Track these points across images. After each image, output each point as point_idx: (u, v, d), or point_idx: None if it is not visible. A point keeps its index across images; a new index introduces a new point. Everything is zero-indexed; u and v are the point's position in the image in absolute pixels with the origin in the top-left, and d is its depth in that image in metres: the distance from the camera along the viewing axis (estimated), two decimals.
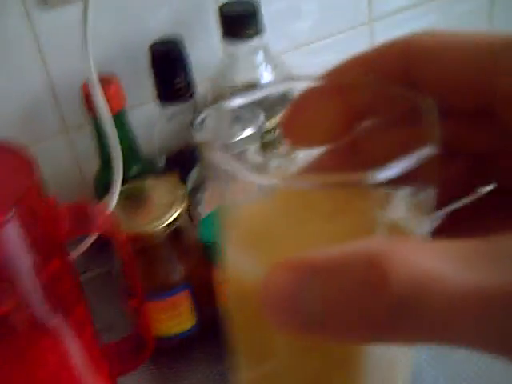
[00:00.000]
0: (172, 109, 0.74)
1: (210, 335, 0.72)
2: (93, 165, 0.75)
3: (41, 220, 0.51)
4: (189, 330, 0.71)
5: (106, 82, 0.66)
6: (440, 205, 0.25)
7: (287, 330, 0.20)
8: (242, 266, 0.24)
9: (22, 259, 0.50)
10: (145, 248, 0.66)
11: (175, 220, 0.65)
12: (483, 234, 0.19)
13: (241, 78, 0.76)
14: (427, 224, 0.23)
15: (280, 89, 0.26)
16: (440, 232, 0.25)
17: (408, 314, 0.18)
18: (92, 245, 0.64)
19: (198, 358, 0.71)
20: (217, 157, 0.22)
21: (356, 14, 0.91)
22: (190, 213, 0.69)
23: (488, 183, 0.27)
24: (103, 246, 0.63)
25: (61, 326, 0.55)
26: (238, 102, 0.26)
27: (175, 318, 0.69)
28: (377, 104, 0.24)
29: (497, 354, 0.19)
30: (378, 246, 0.19)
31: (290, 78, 0.23)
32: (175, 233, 0.66)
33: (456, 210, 0.27)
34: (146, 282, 0.67)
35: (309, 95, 0.25)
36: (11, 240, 0.48)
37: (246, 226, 0.25)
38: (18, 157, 0.52)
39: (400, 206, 0.22)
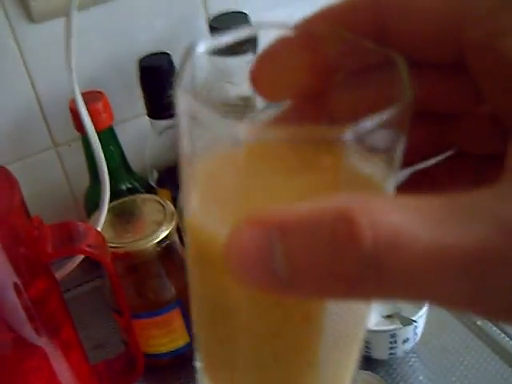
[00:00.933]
0: (163, 123, 0.73)
1: None
2: (83, 181, 0.75)
3: (24, 240, 0.51)
4: (182, 348, 0.70)
5: (93, 98, 0.66)
6: (403, 165, 0.24)
7: (252, 287, 0.19)
8: (204, 220, 0.23)
9: (5, 280, 0.49)
10: (135, 265, 0.66)
11: (165, 237, 0.64)
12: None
13: (232, 92, 0.75)
14: (394, 180, 0.23)
15: (248, 33, 0.25)
16: (401, 191, 0.24)
17: (379, 270, 0.18)
18: (85, 259, 0.63)
19: (191, 376, 0.71)
20: (187, 101, 0.21)
21: None
22: (180, 230, 0.68)
23: (449, 147, 0.27)
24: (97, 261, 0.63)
25: (47, 347, 0.54)
26: (206, 45, 0.25)
27: (168, 335, 0.68)
28: (347, 57, 0.24)
29: (463, 310, 0.19)
30: (347, 203, 0.18)
31: (259, 24, 0.22)
32: (166, 250, 0.65)
33: (417, 172, 0.27)
34: (138, 300, 0.66)
35: (278, 46, 0.24)
36: None
37: (210, 178, 0.24)
38: (0, 176, 0.52)
39: (367, 163, 0.22)
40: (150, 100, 0.72)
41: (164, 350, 0.69)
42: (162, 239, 0.63)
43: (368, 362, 0.66)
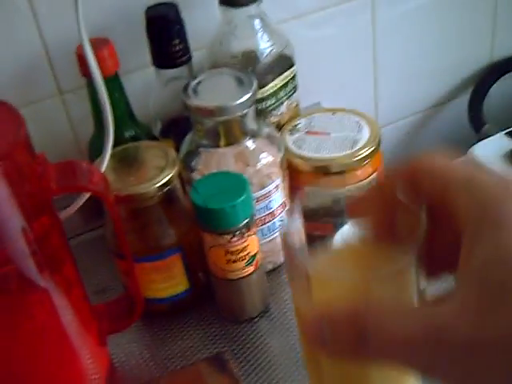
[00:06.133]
0: (168, 74, 0.74)
1: (203, 300, 0.72)
2: (87, 130, 0.76)
3: (28, 176, 0.52)
4: (182, 293, 0.71)
5: (99, 44, 0.67)
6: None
7: (316, 350, 0.38)
8: (301, 306, 0.39)
9: (9, 215, 0.50)
10: (137, 210, 0.67)
11: (167, 183, 0.65)
12: None
13: (237, 45, 0.76)
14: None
15: (344, 193, 0.42)
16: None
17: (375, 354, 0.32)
18: (88, 207, 0.65)
19: (191, 321, 0.72)
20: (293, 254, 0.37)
21: None
22: (183, 178, 0.70)
23: None
24: (99, 208, 0.64)
25: (49, 282, 0.55)
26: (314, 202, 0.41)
27: (168, 280, 0.70)
28: (399, 208, 0.37)
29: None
30: (360, 308, 0.32)
31: (350, 189, 0.43)
32: (167, 197, 0.66)
33: None
34: (139, 244, 0.67)
35: (364, 195, 0.39)
36: None
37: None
38: (5, 112, 0.53)
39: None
40: (156, 49, 0.72)
41: (163, 295, 0.71)
42: (164, 184, 0.65)
43: None
